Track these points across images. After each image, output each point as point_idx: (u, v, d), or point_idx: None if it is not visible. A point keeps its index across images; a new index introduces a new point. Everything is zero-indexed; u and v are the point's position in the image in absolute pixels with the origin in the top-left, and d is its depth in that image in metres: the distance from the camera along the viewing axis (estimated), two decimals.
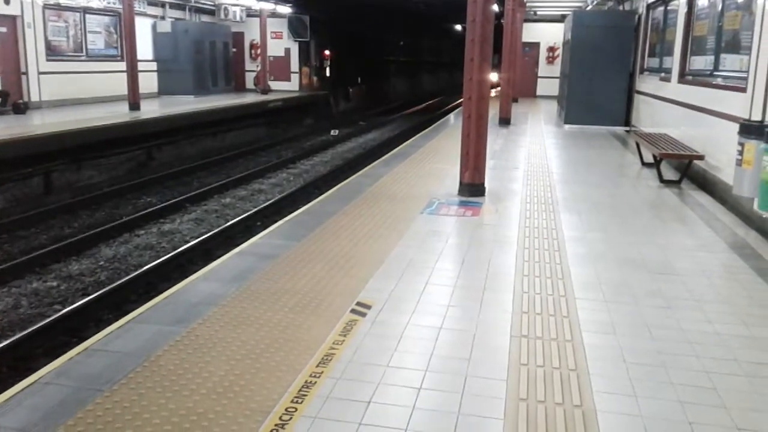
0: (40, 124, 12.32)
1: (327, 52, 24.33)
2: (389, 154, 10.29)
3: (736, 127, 6.13)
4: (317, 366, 3.12)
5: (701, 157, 7.77)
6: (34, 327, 5.48)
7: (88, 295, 6.31)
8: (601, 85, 13.99)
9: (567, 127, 14.24)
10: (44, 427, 2.61)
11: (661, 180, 8.12)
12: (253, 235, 5.69)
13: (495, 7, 7.04)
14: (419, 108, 29.33)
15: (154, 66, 19.02)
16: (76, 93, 15.66)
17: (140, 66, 15.56)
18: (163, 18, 19.29)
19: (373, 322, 3.67)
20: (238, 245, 5.25)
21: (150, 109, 15.11)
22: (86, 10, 16.16)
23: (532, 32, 22.44)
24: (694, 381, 3.08)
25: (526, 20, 21.22)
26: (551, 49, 22.71)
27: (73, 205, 9.93)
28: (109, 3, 16.55)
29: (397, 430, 2.63)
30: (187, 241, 8.21)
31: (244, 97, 19.66)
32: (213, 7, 21.15)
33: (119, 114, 13.87)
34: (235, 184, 11.87)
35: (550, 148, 11.00)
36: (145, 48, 17.94)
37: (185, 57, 19.12)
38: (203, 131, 15.66)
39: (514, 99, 16.60)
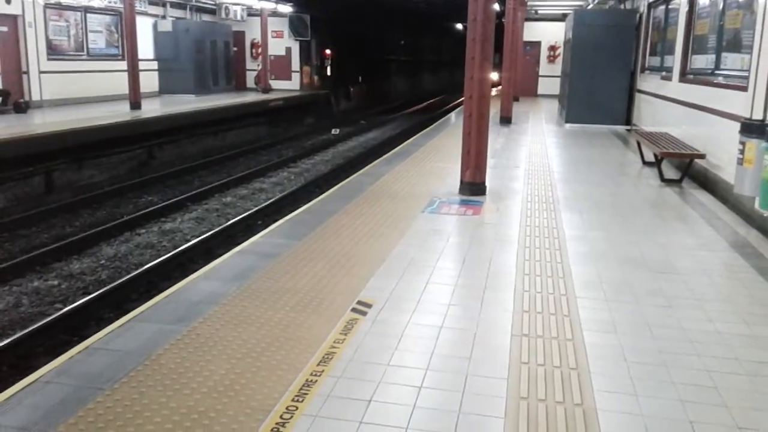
0: (41, 123, 12.31)
1: (328, 51, 24.31)
2: (390, 152, 10.29)
3: (737, 126, 6.12)
4: (318, 365, 3.12)
5: (702, 156, 7.77)
6: (35, 325, 5.48)
7: (89, 293, 6.31)
8: (603, 84, 13.99)
9: (568, 126, 14.23)
10: (45, 425, 2.61)
11: (662, 179, 8.11)
12: (254, 234, 5.69)
13: (496, 6, 7.05)
14: (420, 107, 29.29)
15: (155, 65, 19.02)
16: (77, 92, 15.65)
17: (141, 65, 15.59)
18: (164, 17, 19.29)
19: (374, 320, 3.67)
20: (239, 244, 5.25)
21: (151, 109, 15.11)
22: (87, 10, 16.16)
23: (533, 31, 22.44)
24: (695, 380, 3.08)
25: (527, 19, 21.20)
26: (552, 48, 22.71)
27: (74, 204, 9.94)
28: (110, 2, 16.56)
29: (398, 428, 2.63)
30: (188, 240, 8.21)
31: (245, 97, 19.65)
32: (214, 7, 21.16)
33: (120, 113, 13.88)
34: (236, 183, 11.86)
35: (551, 147, 10.99)
36: (146, 47, 17.95)
37: (186, 56, 19.12)
38: (204, 130, 15.66)
39: (515, 98, 16.60)
